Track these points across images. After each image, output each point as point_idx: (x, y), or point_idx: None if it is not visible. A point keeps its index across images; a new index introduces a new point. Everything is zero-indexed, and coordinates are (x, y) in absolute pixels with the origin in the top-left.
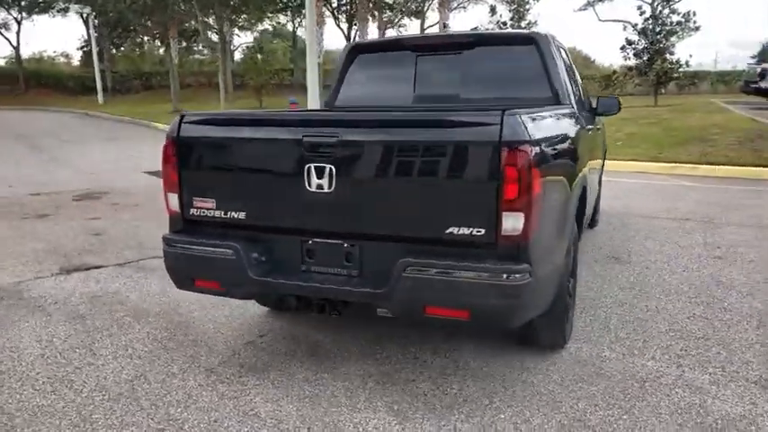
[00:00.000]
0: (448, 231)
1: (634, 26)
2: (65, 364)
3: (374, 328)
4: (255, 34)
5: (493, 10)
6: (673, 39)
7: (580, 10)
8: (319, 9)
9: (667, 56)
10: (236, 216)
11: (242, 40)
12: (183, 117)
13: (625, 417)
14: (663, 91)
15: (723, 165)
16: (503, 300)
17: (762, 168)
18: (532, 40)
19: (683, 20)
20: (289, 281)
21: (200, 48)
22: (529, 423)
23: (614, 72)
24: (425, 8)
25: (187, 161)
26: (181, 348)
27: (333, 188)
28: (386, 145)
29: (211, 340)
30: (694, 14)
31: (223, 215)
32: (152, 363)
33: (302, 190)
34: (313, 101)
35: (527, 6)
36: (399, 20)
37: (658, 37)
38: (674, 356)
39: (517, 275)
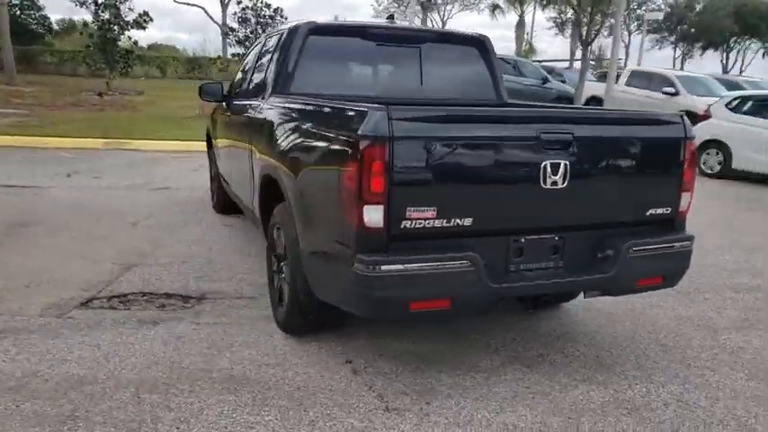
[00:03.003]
0: (649, 213)
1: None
2: None
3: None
4: None
5: None
6: None
7: None
8: None
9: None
10: (461, 223)
11: None
12: (390, 112)
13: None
14: None
15: None
16: (685, 263)
17: None
18: (480, 42)
19: (274, 14)
20: (518, 282)
21: None
22: (660, 367)
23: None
24: None
25: (402, 166)
26: (294, 401)
27: (565, 184)
28: (609, 140)
29: (303, 383)
30: (282, 11)
31: (446, 223)
32: (300, 421)
33: (536, 187)
34: None
35: None
36: None
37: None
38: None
39: (689, 242)
